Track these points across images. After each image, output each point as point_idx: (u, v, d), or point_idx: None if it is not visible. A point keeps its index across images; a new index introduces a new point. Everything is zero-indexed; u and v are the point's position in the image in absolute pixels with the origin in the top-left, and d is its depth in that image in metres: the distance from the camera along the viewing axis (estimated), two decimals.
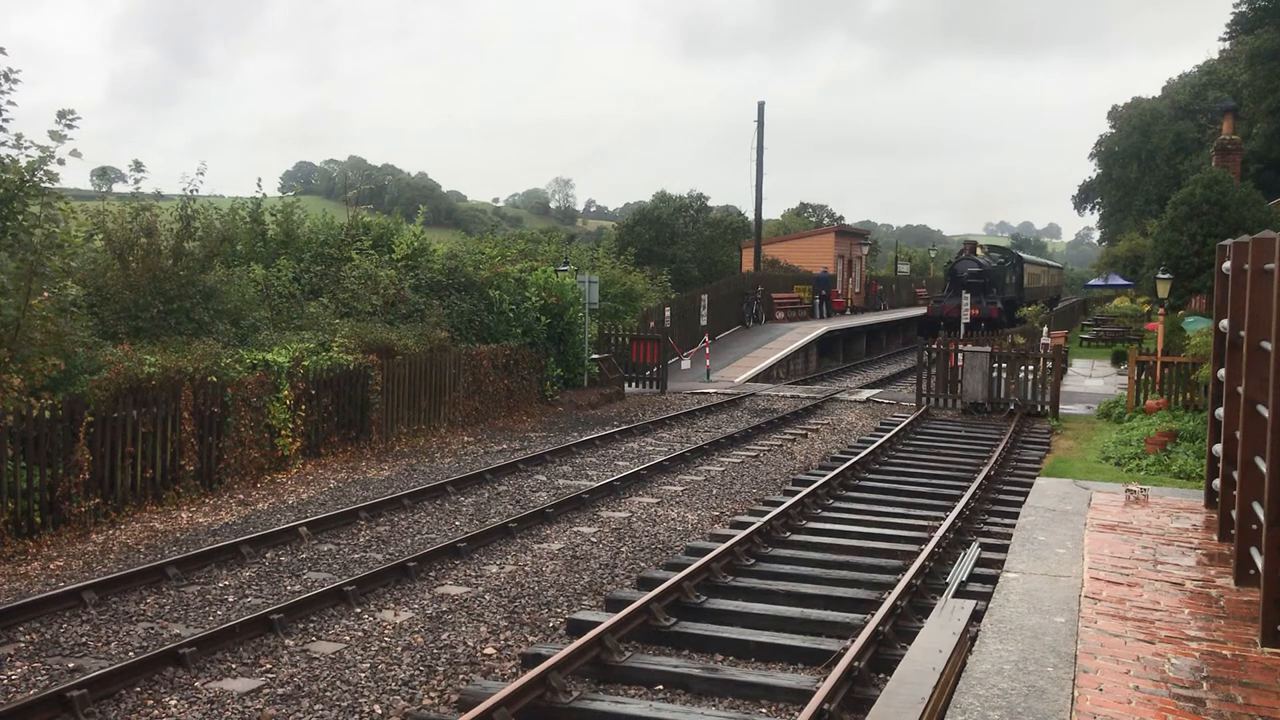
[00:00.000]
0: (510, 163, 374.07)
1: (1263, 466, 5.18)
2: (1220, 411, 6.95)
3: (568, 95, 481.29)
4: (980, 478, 13.53)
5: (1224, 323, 6.78)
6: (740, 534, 10.57)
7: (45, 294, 11.73)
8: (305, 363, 14.84)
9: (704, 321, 32.97)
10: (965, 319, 33.07)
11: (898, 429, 18.03)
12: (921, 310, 47.04)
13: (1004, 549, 8.38)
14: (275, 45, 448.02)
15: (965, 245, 48.81)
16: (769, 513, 11.62)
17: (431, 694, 7.16)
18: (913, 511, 12.41)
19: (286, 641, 8.07)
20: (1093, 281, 63.14)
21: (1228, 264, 6.61)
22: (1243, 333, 5.85)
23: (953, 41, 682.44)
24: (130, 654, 7.69)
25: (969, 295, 35.32)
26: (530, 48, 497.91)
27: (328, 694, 7.11)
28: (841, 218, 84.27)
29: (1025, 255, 58.67)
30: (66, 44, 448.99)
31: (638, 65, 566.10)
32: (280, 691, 7.14)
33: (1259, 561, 5.02)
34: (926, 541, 10.63)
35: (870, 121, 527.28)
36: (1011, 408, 20.93)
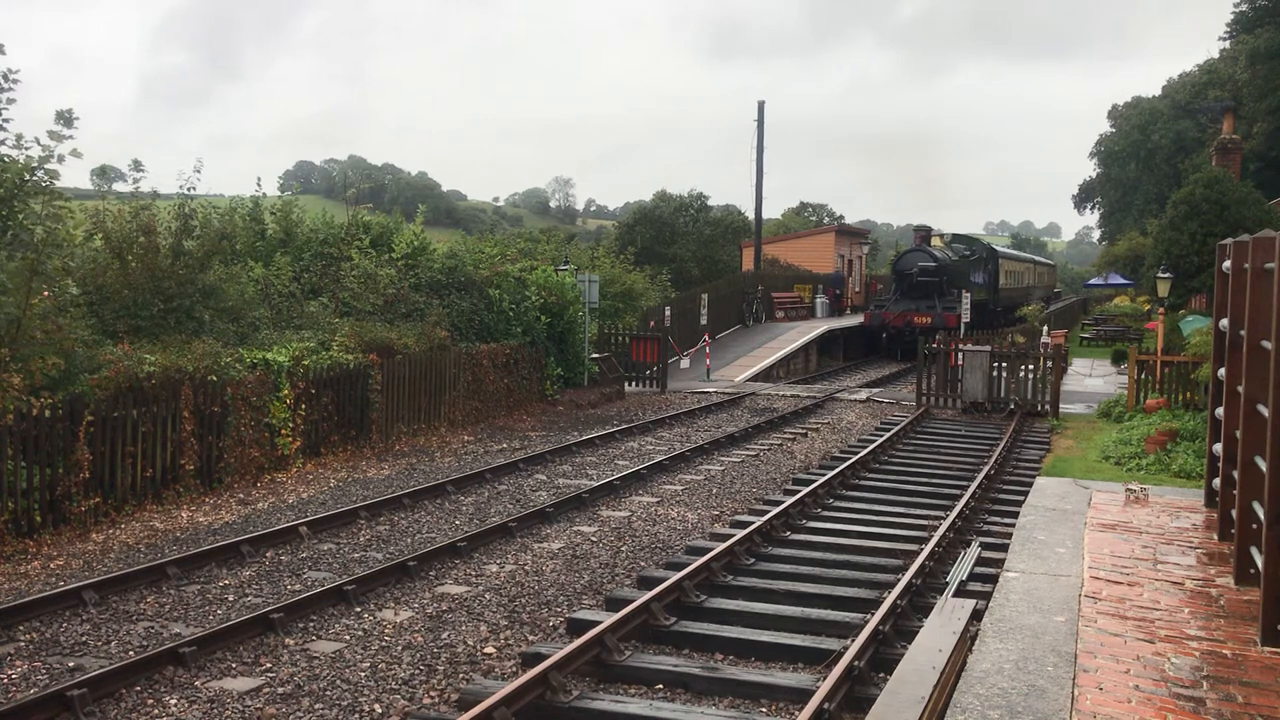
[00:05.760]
0: (518, 164, 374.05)
1: (1263, 466, 5.17)
2: (1220, 411, 6.95)
3: (588, 97, 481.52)
4: (980, 477, 13.53)
5: (1224, 322, 6.78)
6: (740, 533, 10.57)
7: (46, 293, 11.73)
8: (305, 362, 14.84)
9: (704, 321, 32.97)
10: (966, 318, 32.70)
11: (898, 428, 18.03)
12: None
13: (1004, 548, 8.38)
14: (309, 50, 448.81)
15: (917, 234, 39.53)
16: (769, 512, 11.62)
17: (431, 693, 7.16)
18: (913, 511, 12.41)
19: (286, 641, 8.07)
20: (1093, 281, 63.08)
21: (1228, 263, 6.62)
22: (1243, 332, 5.85)
23: (975, 45, 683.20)
24: (130, 653, 7.70)
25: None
26: (560, 51, 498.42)
27: (328, 693, 7.11)
28: (842, 217, 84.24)
29: (1001, 248, 48.83)
30: (105, 48, 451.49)
31: (662, 68, 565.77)
32: (280, 690, 7.14)
33: (1259, 561, 5.02)
34: (927, 541, 10.63)
35: (879, 123, 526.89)
36: (1011, 407, 20.93)
